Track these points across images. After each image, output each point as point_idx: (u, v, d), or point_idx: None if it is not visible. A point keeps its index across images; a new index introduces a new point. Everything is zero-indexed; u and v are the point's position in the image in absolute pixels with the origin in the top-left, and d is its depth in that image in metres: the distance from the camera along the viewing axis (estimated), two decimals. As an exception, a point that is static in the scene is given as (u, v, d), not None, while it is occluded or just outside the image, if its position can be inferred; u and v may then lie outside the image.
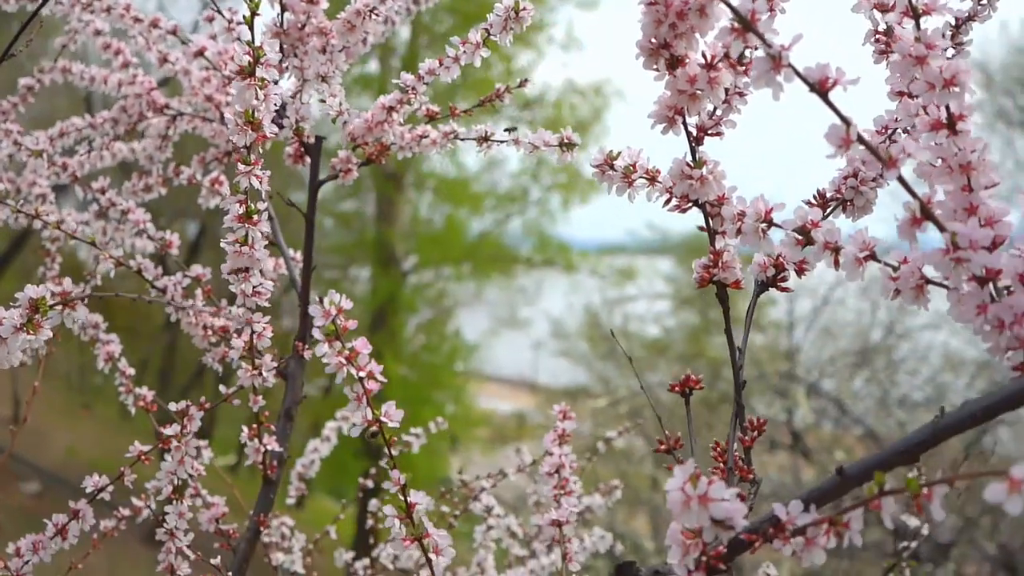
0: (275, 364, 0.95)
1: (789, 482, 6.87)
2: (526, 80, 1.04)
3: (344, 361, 0.64)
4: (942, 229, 0.53)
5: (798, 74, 0.52)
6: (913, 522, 1.16)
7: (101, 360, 1.15)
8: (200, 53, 1.08)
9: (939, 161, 0.58)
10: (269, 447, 1.01)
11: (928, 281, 0.56)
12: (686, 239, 11.78)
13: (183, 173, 1.22)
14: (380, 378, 0.65)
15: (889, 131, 0.71)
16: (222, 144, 1.18)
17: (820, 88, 0.52)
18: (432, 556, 0.67)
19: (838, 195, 0.71)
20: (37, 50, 1.35)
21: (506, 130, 0.99)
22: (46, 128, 1.27)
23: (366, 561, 1.44)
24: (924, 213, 0.54)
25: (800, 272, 0.69)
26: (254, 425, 1.00)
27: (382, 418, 0.65)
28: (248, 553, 1.03)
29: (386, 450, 0.67)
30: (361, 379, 0.65)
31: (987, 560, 6.16)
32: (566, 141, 0.88)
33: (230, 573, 0.97)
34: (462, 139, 1.01)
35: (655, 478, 7.32)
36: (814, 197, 0.71)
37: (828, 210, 0.71)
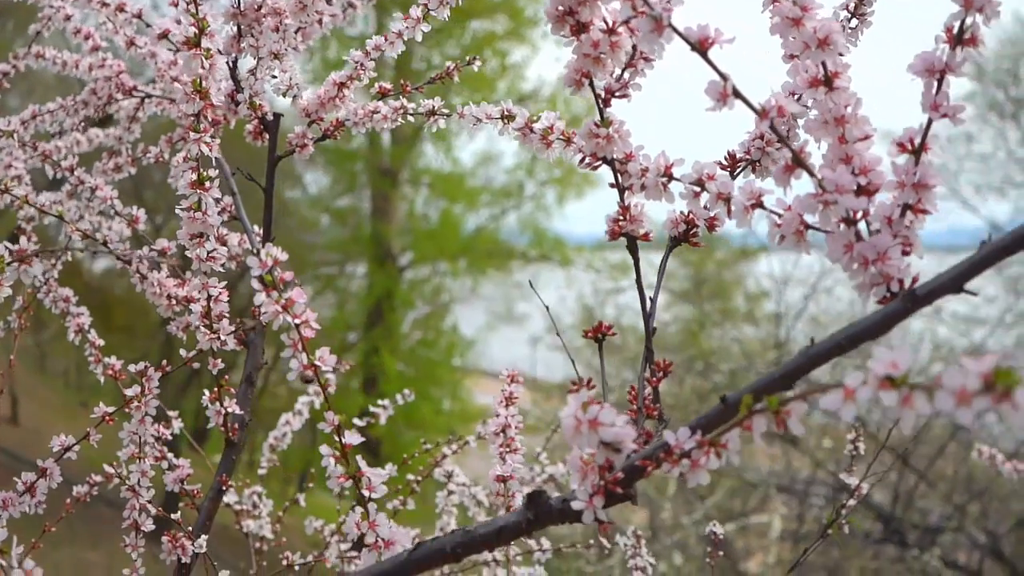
0: (233, 329, 1.00)
1: (780, 469, 6.93)
2: (475, 58, 1.09)
3: (280, 309, 0.69)
4: (812, 175, 0.58)
5: (679, 34, 0.57)
6: (851, 480, 1.21)
7: (71, 332, 1.19)
8: (164, 35, 1.12)
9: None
10: (230, 410, 1.05)
11: (808, 226, 0.61)
12: (681, 233, 11.81)
13: (150, 152, 1.26)
14: (315, 325, 0.70)
15: (795, 95, 0.75)
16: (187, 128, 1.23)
17: (700, 47, 0.57)
18: (366, 493, 0.72)
19: (747, 156, 0.75)
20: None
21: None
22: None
23: (333, 526, 1.49)
24: (796, 161, 0.58)
25: (711, 228, 0.74)
26: (215, 389, 1.04)
27: (316, 362, 0.70)
28: (212, 511, 1.08)
29: (322, 394, 0.72)
30: (297, 326, 0.69)
31: (977, 548, 6.23)
32: (506, 114, 0.93)
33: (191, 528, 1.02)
34: (411, 114, 1.05)
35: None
36: (724, 158, 0.76)
37: (737, 169, 0.75)
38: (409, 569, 0.65)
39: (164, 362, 1.01)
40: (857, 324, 0.55)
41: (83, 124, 1.31)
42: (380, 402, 1.50)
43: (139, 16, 1.17)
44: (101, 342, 1.19)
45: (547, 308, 1.06)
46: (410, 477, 1.43)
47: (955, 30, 0.58)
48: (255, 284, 0.69)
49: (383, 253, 11.14)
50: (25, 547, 0.82)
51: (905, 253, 0.58)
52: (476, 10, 10.70)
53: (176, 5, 1.16)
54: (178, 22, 1.18)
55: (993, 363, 0.40)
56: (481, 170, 12.23)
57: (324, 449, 0.72)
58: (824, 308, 8.05)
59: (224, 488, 1.08)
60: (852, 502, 1.17)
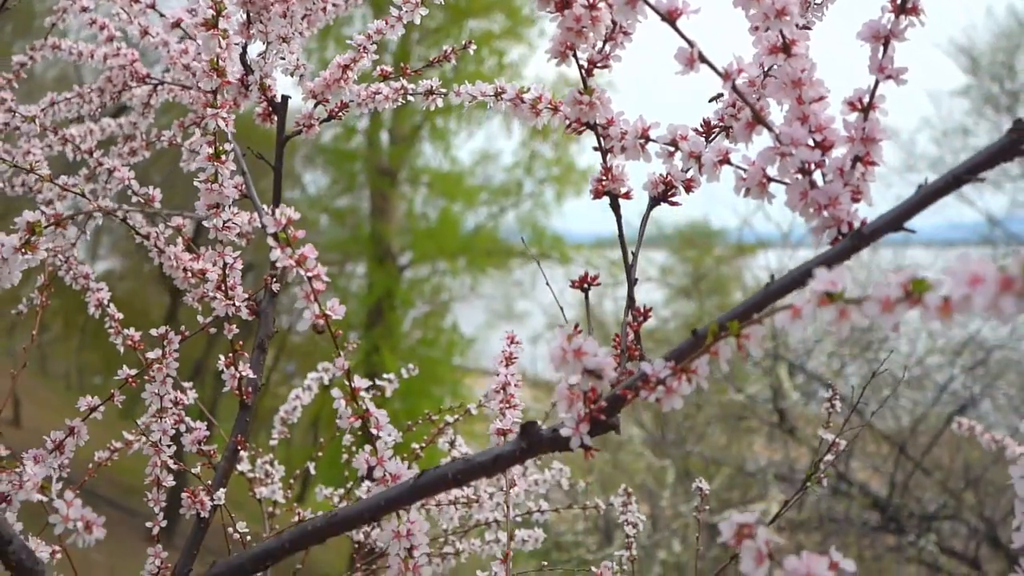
0: (247, 295, 1.07)
1: (778, 459, 7.01)
2: (470, 42, 1.15)
3: (294, 263, 0.76)
4: (770, 130, 0.65)
5: (650, 6, 0.64)
6: (828, 436, 1.27)
7: (92, 307, 1.26)
8: (177, 24, 1.19)
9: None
10: (244, 374, 1.12)
11: (770, 179, 0.68)
12: (680, 230, 11.94)
13: (164, 136, 1.33)
14: (325, 278, 0.77)
15: (765, 68, 0.82)
16: (200, 109, 1.30)
17: (669, 17, 0.64)
18: (374, 431, 0.79)
19: (721, 122, 0.82)
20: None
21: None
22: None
23: (342, 491, 1.56)
24: (756, 118, 0.65)
25: (688, 189, 0.81)
26: (230, 354, 1.11)
27: (328, 311, 0.77)
28: (228, 471, 1.14)
29: (334, 344, 0.79)
30: (309, 279, 0.76)
31: (973, 535, 6.30)
32: (499, 91, 0.99)
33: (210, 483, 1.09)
34: (411, 95, 1.12)
35: (650, 465, 7.46)
36: (700, 124, 0.82)
37: (712, 135, 0.82)
38: (415, 493, 0.72)
39: (183, 328, 1.08)
40: (810, 262, 0.62)
41: (99, 112, 1.38)
42: (385, 375, 1.57)
43: (152, 6, 1.24)
44: (120, 315, 1.25)
45: (547, 280, 1.13)
46: (415, 445, 1.50)
47: (899, 0, 0.65)
48: (271, 241, 0.76)
49: (383, 252, 11.21)
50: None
51: (855, 200, 0.65)
52: (473, 9, 10.77)
53: (187, -4, 1.23)
54: (191, 12, 1.25)
55: (911, 275, 0.47)
56: (479, 169, 12.32)
57: (335, 392, 0.79)
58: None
59: (239, 448, 1.14)
60: (830, 457, 1.24)
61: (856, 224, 0.64)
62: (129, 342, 1.21)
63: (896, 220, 0.60)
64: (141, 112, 1.35)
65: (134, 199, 1.29)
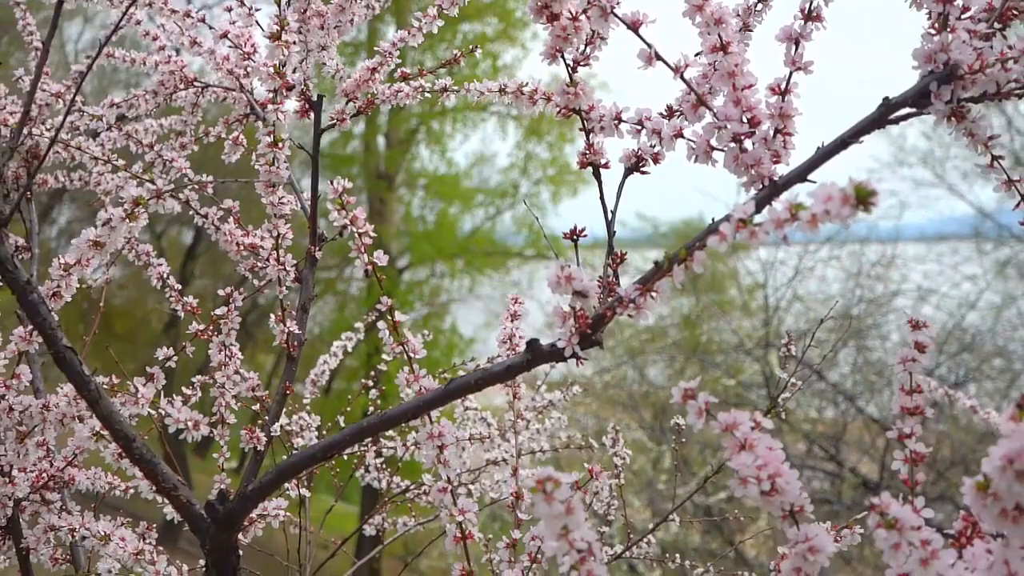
0: (296, 262, 1.28)
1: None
2: (476, 47, 1.37)
3: (348, 223, 0.97)
4: (710, 109, 0.86)
5: (618, 18, 0.85)
6: (783, 374, 1.48)
7: (154, 279, 1.47)
8: (224, 35, 1.40)
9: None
10: (291, 330, 1.33)
11: (712, 147, 0.89)
12: (675, 228, 12.14)
13: (211, 132, 1.55)
14: (372, 234, 0.98)
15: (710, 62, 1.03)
16: (241, 108, 1.51)
17: (633, 26, 0.85)
18: (411, 354, 1.00)
19: (680, 108, 1.03)
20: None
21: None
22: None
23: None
24: (699, 101, 0.87)
25: (655, 160, 1.02)
26: (279, 312, 1.32)
27: (375, 260, 0.98)
28: (277, 413, 1.35)
29: (380, 286, 1.00)
30: (360, 235, 0.97)
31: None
32: (502, 88, 1.20)
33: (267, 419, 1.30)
34: (427, 92, 1.33)
35: (647, 452, 7.68)
36: (665, 108, 1.03)
37: (674, 116, 1.03)
38: (447, 396, 0.93)
39: (240, 290, 1.29)
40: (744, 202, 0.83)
41: (152, 112, 1.59)
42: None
43: (203, 20, 1.45)
44: (179, 286, 1.46)
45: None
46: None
47: (806, 10, 0.87)
48: (330, 205, 0.97)
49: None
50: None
51: (776, 162, 0.86)
52: (466, 12, 11.00)
53: (230, 10, 1.44)
54: (232, 23, 1.46)
55: (792, 201, 0.68)
56: (475, 171, 12.53)
57: (380, 324, 1.01)
58: (814, 291, 8.39)
59: (287, 393, 1.35)
60: (787, 395, 1.44)
61: (776, 179, 0.85)
62: (188, 308, 1.42)
63: (802, 174, 0.81)
64: (190, 111, 1.56)
65: (189, 186, 1.50)
